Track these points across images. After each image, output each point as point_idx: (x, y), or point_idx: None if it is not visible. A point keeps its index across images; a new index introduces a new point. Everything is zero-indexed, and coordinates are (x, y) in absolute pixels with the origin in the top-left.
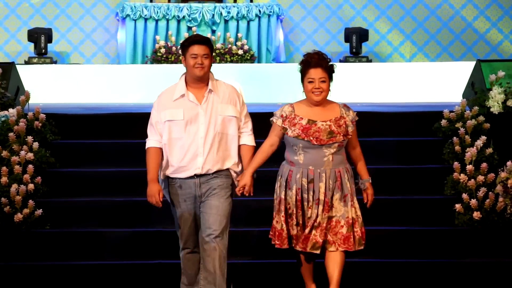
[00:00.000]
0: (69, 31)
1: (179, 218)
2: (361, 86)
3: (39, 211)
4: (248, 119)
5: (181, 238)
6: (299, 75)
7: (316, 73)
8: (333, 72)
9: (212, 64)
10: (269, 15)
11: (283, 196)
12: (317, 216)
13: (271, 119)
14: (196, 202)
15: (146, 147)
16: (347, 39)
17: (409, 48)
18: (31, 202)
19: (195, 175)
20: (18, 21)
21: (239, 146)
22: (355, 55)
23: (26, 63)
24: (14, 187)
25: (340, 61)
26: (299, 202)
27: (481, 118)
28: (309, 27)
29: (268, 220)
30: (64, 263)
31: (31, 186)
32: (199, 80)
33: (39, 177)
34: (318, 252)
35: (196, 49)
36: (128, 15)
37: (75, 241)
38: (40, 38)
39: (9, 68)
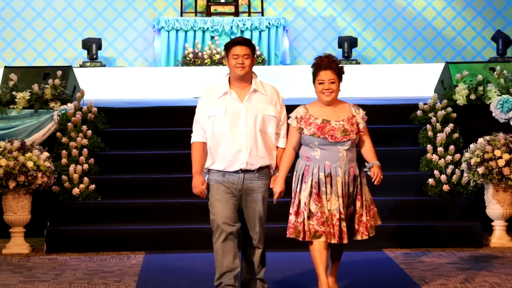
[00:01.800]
0: (115, 40)
1: (218, 199)
2: (351, 84)
3: (92, 186)
4: (285, 122)
5: (217, 221)
6: (302, 74)
7: (326, 75)
8: (343, 73)
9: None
10: (277, 26)
11: (298, 190)
12: (339, 208)
13: (287, 121)
14: (235, 193)
15: (191, 141)
16: (340, 45)
17: (390, 52)
18: (86, 179)
19: (240, 170)
20: (74, 33)
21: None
22: (347, 58)
23: (81, 66)
24: (72, 167)
25: None
26: (316, 195)
27: (449, 109)
28: (309, 36)
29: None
30: (113, 228)
31: (85, 166)
32: (241, 79)
33: (92, 159)
34: (346, 241)
35: (238, 50)
36: (162, 27)
37: (122, 210)
38: (92, 46)
39: (67, 71)
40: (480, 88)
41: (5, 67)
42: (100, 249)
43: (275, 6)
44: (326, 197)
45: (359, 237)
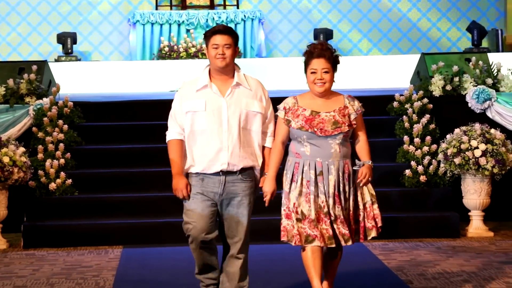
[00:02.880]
0: (90, 34)
1: (192, 208)
2: None
3: (69, 181)
4: (272, 118)
5: (190, 232)
6: (279, 67)
7: (319, 64)
8: (338, 63)
9: (237, 55)
10: (252, 19)
11: (288, 190)
12: (331, 210)
13: (275, 113)
14: (215, 199)
15: (167, 139)
16: (316, 37)
17: (366, 44)
18: (62, 173)
19: (221, 171)
20: (49, 27)
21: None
22: None
23: (56, 61)
24: (48, 161)
25: None
26: (308, 195)
27: (425, 100)
28: (285, 29)
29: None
30: (90, 222)
31: (62, 160)
32: (222, 72)
33: (69, 153)
34: (334, 245)
35: (218, 39)
36: (138, 21)
37: (99, 204)
38: (67, 40)
39: (42, 65)
40: (456, 79)
41: None
42: (77, 243)
43: None
44: (319, 198)
45: (354, 241)
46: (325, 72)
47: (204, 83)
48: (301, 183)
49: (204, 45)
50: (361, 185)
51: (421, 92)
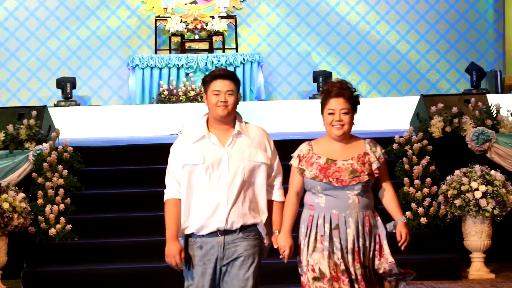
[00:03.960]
0: (90, 79)
1: (194, 284)
2: None
3: (69, 226)
4: (280, 170)
5: None
6: (278, 109)
7: (337, 104)
8: (358, 103)
9: (239, 103)
10: (251, 62)
11: (302, 246)
12: (349, 266)
13: (289, 162)
14: (217, 265)
15: (165, 199)
16: (315, 80)
17: (365, 86)
18: (62, 219)
19: (218, 230)
20: (48, 72)
21: (268, 201)
22: None
23: (56, 106)
24: (48, 207)
25: (310, 98)
26: (322, 252)
27: (425, 141)
28: (284, 71)
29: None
30: (91, 268)
31: (62, 206)
32: (223, 121)
33: (69, 199)
34: None
35: (219, 85)
36: (137, 65)
37: (100, 249)
38: (66, 85)
39: (42, 111)
40: (455, 120)
41: None
42: None
43: (249, 42)
44: (334, 254)
45: None
46: (344, 113)
47: (201, 133)
48: (315, 238)
49: (202, 90)
50: (402, 248)
51: (420, 134)
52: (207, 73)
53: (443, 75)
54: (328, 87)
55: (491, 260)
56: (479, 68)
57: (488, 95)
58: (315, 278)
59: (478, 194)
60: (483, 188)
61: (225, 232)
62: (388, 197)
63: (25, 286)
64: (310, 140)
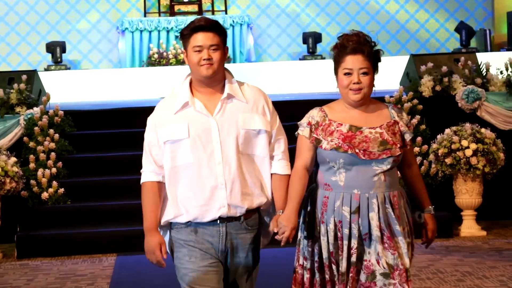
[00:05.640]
0: (79, 43)
1: (193, 269)
2: (318, 78)
3: (61, 190)
4: (281, 135)
5: None
6: (269, 71)
7: (354, 62)
8: (379, 61)
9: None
10: (241, 24)
11: (317, 235)
12: (370, 258)
13: (296, 132)
14: (217, 256)
15: (141, 181)
16: (305, 41)
17: None
18: (54, 183)
19: (220, 218)
20: (38, 36)
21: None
22: (312, 54)
23: (46, 70)
24: (40, 171)
25: (300, 59)
26: (341, 241)
27: (415, 101)
28: (273, 33)
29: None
30: (84, 231)
31: (54, 170)
32: (208, 83)
33: (60, 162)
34: None
35: (201, 39)
36: (126, 28)
37: (92, 212)
38: (56, 49)
39: (32, 75)
40: (445, 79)
41: None
42: (71, 252)
43: (238, 4)
44: (352, 243)
45: None
46: (363, 74)
47: (184, 100)
48: (334, 224)
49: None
50: (426, 247)
51: (411, 93)
52: None
53: (433, 34)
54: (343, 41)
55: (482, 218)
56: (468, 27)
57: (477, 54)
58: (332, 273)
59: (468, 152)
60: (473, 146)
61: (228, 219)
62: (414, 178)
63: (18, 249)
64: (302, 101)
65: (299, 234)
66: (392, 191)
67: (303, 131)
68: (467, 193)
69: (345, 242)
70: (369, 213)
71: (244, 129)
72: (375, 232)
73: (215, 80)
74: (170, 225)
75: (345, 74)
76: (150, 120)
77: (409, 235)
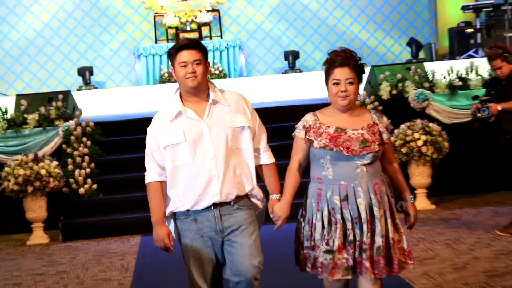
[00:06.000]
0: (104, 67)
1: (195, 256)
2: (297, 88)
3: (94, 186)
4: (262, 130)
5: (195, 283)
6: (257, 84)
7: (342, 73)
8: (363, 72)
9: (209, 71)
10: (234, 46)
11: (312, 219)
12: (361, 238)
13: (293, 133)
14: (217, 239)
15: (146, 182)
16: (286, 58)
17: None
18: (89, 180)
19: (213, 204)
20: (70, 63)
21: (257, 167)
22: (292, 68)
23: (78, 90)
24: (77, 171)
25: (282, 73)
26: (335, 225)
27: (376, 103)
28: (260, 53)
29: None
30: (114, 218)
31: (88, 170)
32: (195, 93)
33: (93, 163)
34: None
35: (185, 56)
36: (141, 53)
37: (120, 203)
38: (85, 73)
39: (67, 95)
40: (400, 84)
41: (17, 95)
42: (104, 235)
43: (231, 30)
44: (344, 226)
45: (398, 268)
46: (349, 83)
47: (177, 110)
48: (328, 211)
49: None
50: (410, 230)
51: (372, 97)
52: None
53: (389, 49)
54: (332, 57)
55: (432, 195)
56: (417, 41)
57: (425, 63)
58: (327, 251)
59: (420, 143)
60: (423, 137)
61: (220, 204)
62: (394, 172)
63: (63, 234)
64: (285, 107)
65: (301, 220)
66: (374, 180)
67: (299, 133)
68: (419, 176)
69: (339, 226)
70: (357, 200)
71: (231, 127)
72: (363, 215)
73: (200, 90)
74: (174, 216)
75: (334, 84)
76: (150, 129)
77: (391, 216)
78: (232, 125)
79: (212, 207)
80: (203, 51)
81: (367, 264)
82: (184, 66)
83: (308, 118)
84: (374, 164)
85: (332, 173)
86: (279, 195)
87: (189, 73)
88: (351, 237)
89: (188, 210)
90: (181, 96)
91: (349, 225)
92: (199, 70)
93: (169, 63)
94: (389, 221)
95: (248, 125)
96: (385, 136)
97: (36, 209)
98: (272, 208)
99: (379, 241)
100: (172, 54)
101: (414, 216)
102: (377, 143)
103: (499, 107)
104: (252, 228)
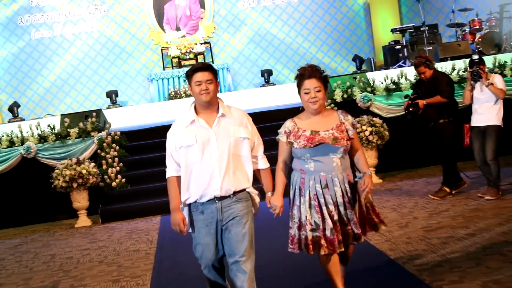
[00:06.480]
0: (126, 90)
1: (200, 243)
2: (271, 98)
3: (123, 180)
4: (260, 141)
5: (201, 262)
6: (241, 97)
7: (311, 83)
8: (328, 81)
9: (219, 89)
10: (223, 69)
11: (298, 203)
12: (341, 216)
13: (277, 138)
14: (218, 227)
15: (166, 176)
16: (262, 75)
17: (293, 76)
18: (119, 176)
19: (215, 197)
20: (100, 88)
21: (256, 171)
22: (267, 83)
23: (107, 108)
24: (109, 169)
25: (260, 87)
26: (318, 208)
27: (332, 105)
28: (243, 72)
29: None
30: (140, 203)
31: (117, 168)
32: (207, 106)
33: (121, 163)
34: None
35: (199, 76)
36: (153, 78)
37: (144, 192)
38: (112, 95)
39: (99, 112)
40: (349, 90)
41: (61, 114)
42: (133, 217)
43: (220, 56)
44: (328, 208)
45: (364, 236)
46: (317, 91)
47: (191, 119)
48: (309, 197)
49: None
50: (364, 193)
51: (329, 101)
52: None
53: (339, 64)
54: (301, 71)
55: (379, 172)
56: (360, 57)
57: (367, 73)
58: (312, 230)
59: (367, 133)
60: (370, 129)
61: (221, 198)
62: (358, 156)
63: (102, 218)
64: (263, 112)
65: (291, 207)
66: (346, 172)
67: (282, 137)
68: (369, 158)
69: (324, 208)
70: (334, 187)
71: (234, 137)
72: (339, 199)
73: (211, 104)
74: (189, 207)
75: (305, 93)
76: (169, 133)
77: (359, 196)
78: (235, 135)
79: (216, 200)
80: (214, 72)
81: (357, 230)
82: (199, 84)
83: (288, 125)
84: (345, 159)
85: (313, 166)
86: (273, 192)
87: (203, 90)
88: (336, 217)
89: (196, 202)
90: (195, 108)
91: (332, 208)
92: (211, 88)
93: (187, 81)
94: (358, 202)
95: (248, 137)
96: (350, 132)
97: (80, 200)
98: (269, 201)
99: (354, 217)
100: (189, 75)
101: (368, 182)
102: (345, 139)
103: (425, 102)
104: (245, 219)
